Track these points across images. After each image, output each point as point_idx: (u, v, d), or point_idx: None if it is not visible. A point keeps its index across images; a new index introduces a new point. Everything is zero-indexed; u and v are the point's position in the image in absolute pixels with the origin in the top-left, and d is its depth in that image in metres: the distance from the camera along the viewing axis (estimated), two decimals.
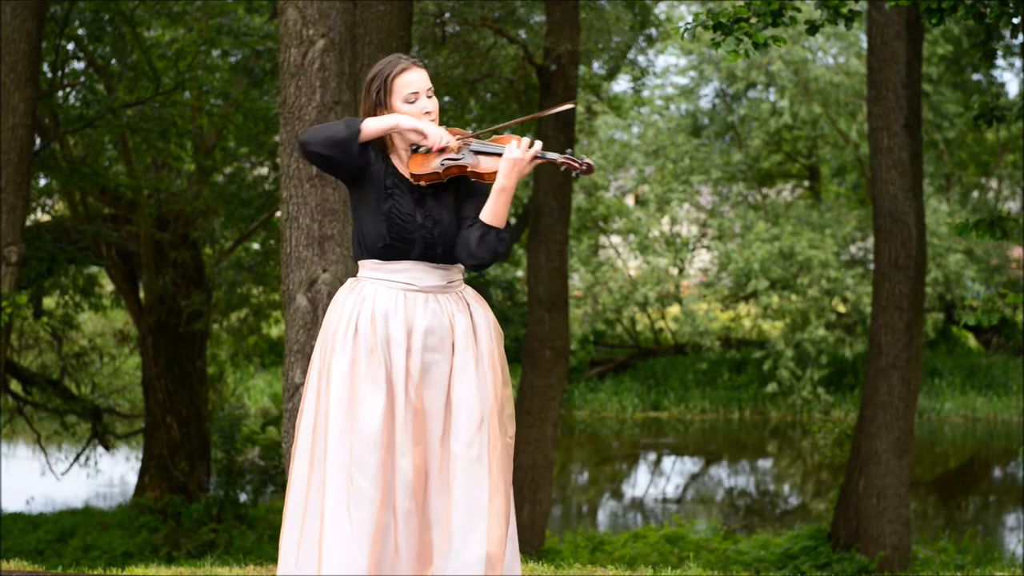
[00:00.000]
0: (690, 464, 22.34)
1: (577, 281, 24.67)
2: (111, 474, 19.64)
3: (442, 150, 3.96)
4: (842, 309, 24.14)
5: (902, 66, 11.96)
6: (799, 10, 6.45)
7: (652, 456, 22.98)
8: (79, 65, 14.72)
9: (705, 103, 27.37)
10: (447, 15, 13.61)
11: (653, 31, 17.49)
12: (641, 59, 18.27)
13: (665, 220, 25.10)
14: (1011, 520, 18.00)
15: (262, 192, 15.19)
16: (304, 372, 6.48)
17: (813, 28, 6.63)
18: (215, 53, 14.45)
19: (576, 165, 3.88)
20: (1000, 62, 23.46)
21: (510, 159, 3.89)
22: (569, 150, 3.97)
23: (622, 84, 26.37)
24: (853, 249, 24.51)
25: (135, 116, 13.88)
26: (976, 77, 25.23)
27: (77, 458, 17.93)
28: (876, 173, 12.10)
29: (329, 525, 3.86)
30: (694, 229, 25.86)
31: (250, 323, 17.56)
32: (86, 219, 15.74)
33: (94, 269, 17.29)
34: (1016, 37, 8.18)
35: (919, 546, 13.65)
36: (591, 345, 25.34)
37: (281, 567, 3.99)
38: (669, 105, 28.50)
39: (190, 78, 13.71)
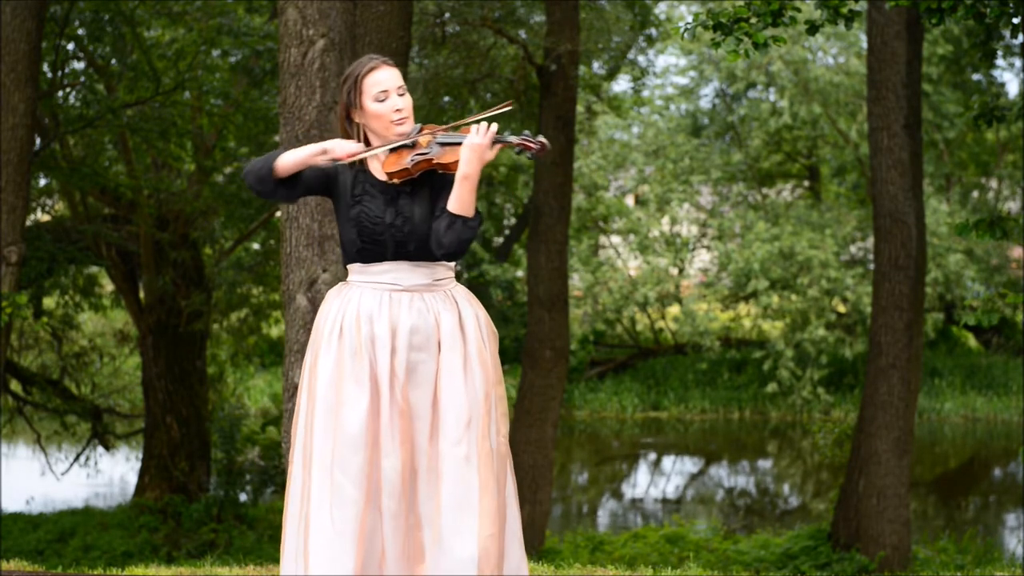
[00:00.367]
0: (690, 464, 22.35)
1: (577, 281, 24.67)
2: (111, 474, 19.64)
3: (413, 146, 3.99)
4: (842, 309, 24.14)
5: (902, 66, 11.96)
6: (799, 10, 6.45)
7: (652, 456, 22.98)
8: (79, 65, 14.72)
9: (705, 103, 27.39)
10: (447, 15, 13.60)
11: (653, 31, 17.50)
12: (641, 59, 18.29)
13: (665, 220, 25.10)
14: (1011, 520, 18.00)
15: None
16: None
17: (813, 28, 6.63)
18: (215, 53, 14.45)
19: (531, 145, 3.89)
20: (1000, 62, 23.48)
21: (469, 146, 3.89)
22: (526, 132, 3.98)
23: (622, 84, 26.41)
24: (853, 249, 24.52)
25: (135, 116, 13.88)
26: (976, 77, 25.24)
27: (77, 458, 17.93)
28: (876, 173, 12.09)
29: (313, 526, 3.87)
30: (694, 229, 25.86)
31: (250, 323, 17.56)
32: (86, 219, 15.74)
33: (94, 269, 17.30)
34: (1016, 37, 8.19)
35: (919, 546, 13.65)
36: (591, 345, 25.34)
37: (282, 568, 4.03)
38: (669, 105, 28.51)
39: (190, 78, 13.71)
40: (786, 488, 20.96)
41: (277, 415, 19.72)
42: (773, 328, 26.00)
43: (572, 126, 13.31)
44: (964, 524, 16.90)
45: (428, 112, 13.65)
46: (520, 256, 24.49)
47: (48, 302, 17.74)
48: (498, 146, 3.93)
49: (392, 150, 4.02)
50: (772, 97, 25.48)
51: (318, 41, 6.81)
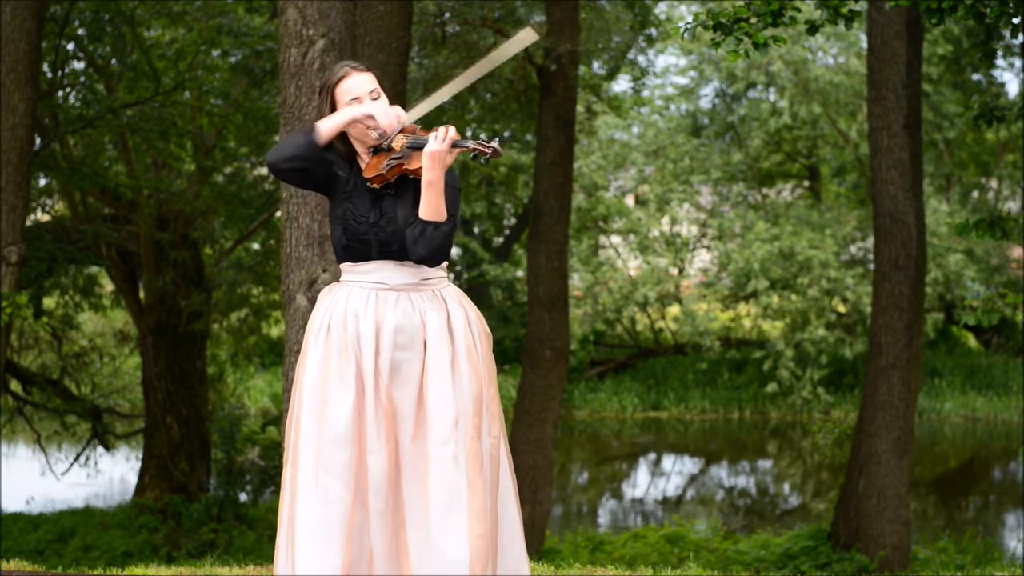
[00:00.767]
0: (690, 464, 22.35)
1: (577, 281, 24.67)
2: (111, 474, 19.64)
3: (389, 150, 4.01)
4: (842, 309, 24.14)
5: (902, 66, 11.96)
6: (799, 10, 6.45)
7: (652, 456, 22.98)
8: (79, 65, 14.72)
9: (705, 103, 27.39)
10: (447, 15, 13.61)
11: (653, 31, 17.51)
12: (641, 59, 18.29)
13: (665, 220, 25.10)
14: (1011, 520, 18.00)
15: (262, 192, 15.19)
16: None
17: (813, 28, 6.63)
18: (215, 53, 14.45)
19: (484, 150, 3.90)
20: (1000, 62, 23.48)
21: (429, 153, 3.90)
22: (483, 135, 4.00)
23: (622, 84, 26.43)
24: (853, 249, 24.52)
25: (135, 116, 13.88)
26: (976, 77, 25.24)
27: (77, 458, 17.93)
28: (876, 173, 12.09)
29: (299, 525, 3.87)
30: (694, 229, 25.86)
31: (250, 323, 17.56)
32: (86, 219, 15.74)
33: (94, 269, 17.29)
34: (1016, 37, 8.18)
35: (919, 546, 13.65)
36: (591, 345, 25.34)
37: (275, 568, 4.03)
38: (669, 105, 28.51)
39: (190, 78, 13.71)
40: (786, 488, 20.96)
41: (277, 415, 19.72)
42: (773, 328, 26.00)
43: (572, 126, 13.31)
44: (964, 524, 16.89)
45: (428, 112, 13.62)
46: (520, 256, 24.50)
47: (48, 302, 17.74)
48: (457, 150, 3.93)
49: (377, 152, 4.05)
50: (772, 97, 25.49)
51: (318, 41, 6.81)
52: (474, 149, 3.92)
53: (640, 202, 25.80)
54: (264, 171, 15.93)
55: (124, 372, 19.97)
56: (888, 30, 11.89)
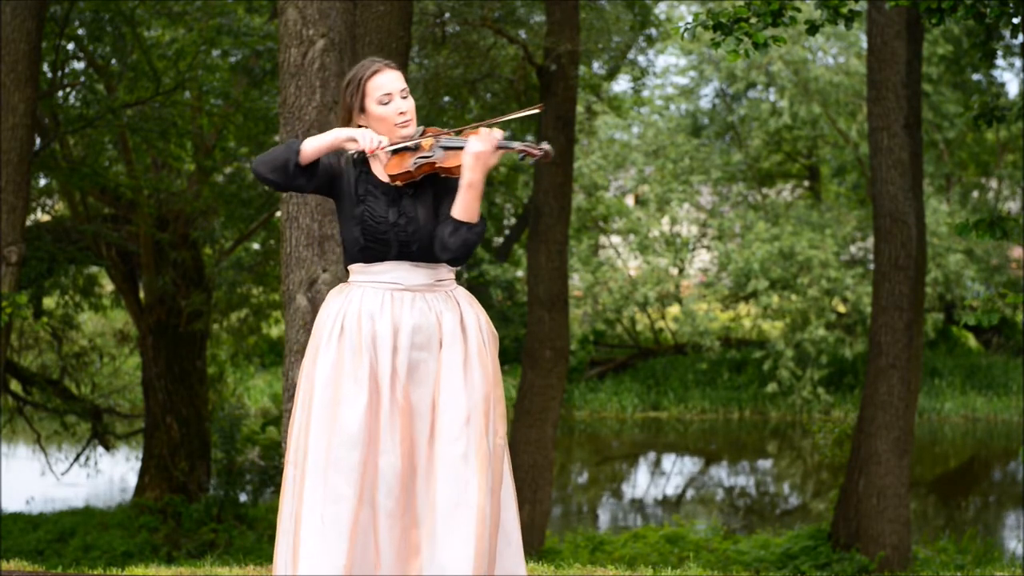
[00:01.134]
0: (690, 464, 22.35)
1: (577, 281, 24.68)
2: (111, 474, 19.64)
3: (417, 148, 4.00)
4: (842, 309, 24.14)
5: (902, 66, 11.96)
6: (799, 10, 6.45)
7: (652, 456, 22.98)
8: (79, 65, 14.72)
9: (705, 103, 27.39)
10: (447, 15, 13.60)
11: (653, 31, 17.51)
12: (641, 59, 18.29)
13: (665, 220, 25.10)
14: (1011, 520, 18.00)
15: (262, 192, 15.19)
16: None
17: (813, 28, 6.63)
18: (215, 53, 14.45)
19: (535, 152, 3.88)
20: (1000, 62, 23.48)
21: (472, 153, 3.90)
22: (529, 137, 3.98)
23: (622, 84, 26.41)
24: (853, 249, 24.52)
25: (135, 116, 13.88)
26: (976, 77, 25.25)
27: (77, 458, 17.93)
28: (876, 173, 12.09)
29: (304, 524, 3.86)
30: (694, 229, 25.87)
31: (250, 323, 17.56)
32: (86, 219, 15.74)
33: (94, 269, 17.30)
34: (1016, 37, 8.19)
35: (919, 546, 13.65)
36: (591, 345, 25.34)
37: (274, 568, 4.02)
38: (669, 105, 28.51)
39: (190, 78, 13.71)
40: (786, 488, 20.96)
41: (277, 415, 19.72)
42: (773, 328, 26.00)
43: (572, 126, 13.31)
44: (964, 524, 16.90)
45: (428, 112, 13.65)
46: (520, 256, 24.48)
47: (48, 302, 17.74)
48: (501, 152, 3.93)
49: (399, 151, 4.03)
50: (772, 97, 25.49)
51: (318, 41, 6.81)
52: (521, 151, 3.90)
53: (640, 202, 25.80)
54: None
55: (124, 372, 19.97)
56: (888, 30, 11.89)
